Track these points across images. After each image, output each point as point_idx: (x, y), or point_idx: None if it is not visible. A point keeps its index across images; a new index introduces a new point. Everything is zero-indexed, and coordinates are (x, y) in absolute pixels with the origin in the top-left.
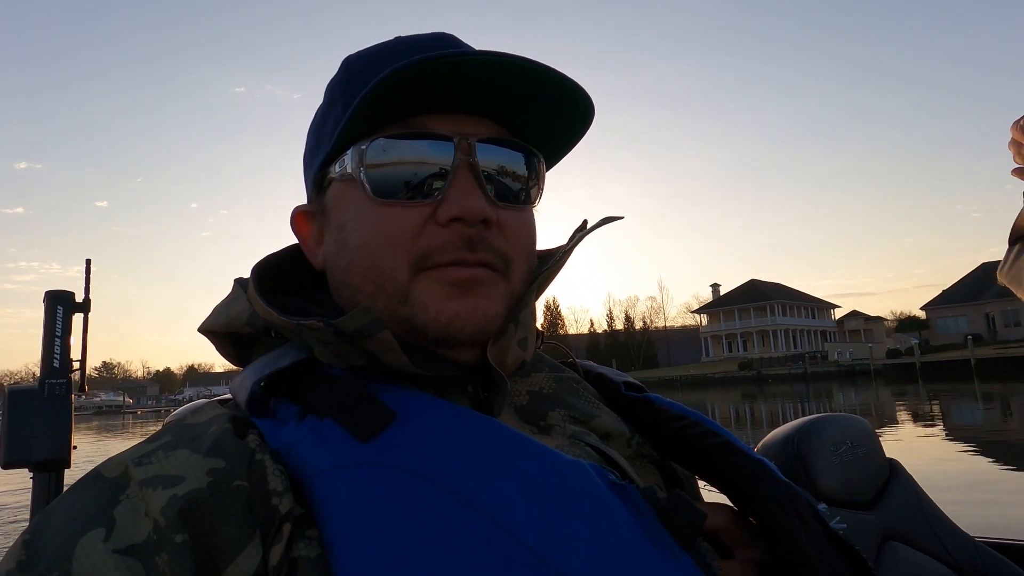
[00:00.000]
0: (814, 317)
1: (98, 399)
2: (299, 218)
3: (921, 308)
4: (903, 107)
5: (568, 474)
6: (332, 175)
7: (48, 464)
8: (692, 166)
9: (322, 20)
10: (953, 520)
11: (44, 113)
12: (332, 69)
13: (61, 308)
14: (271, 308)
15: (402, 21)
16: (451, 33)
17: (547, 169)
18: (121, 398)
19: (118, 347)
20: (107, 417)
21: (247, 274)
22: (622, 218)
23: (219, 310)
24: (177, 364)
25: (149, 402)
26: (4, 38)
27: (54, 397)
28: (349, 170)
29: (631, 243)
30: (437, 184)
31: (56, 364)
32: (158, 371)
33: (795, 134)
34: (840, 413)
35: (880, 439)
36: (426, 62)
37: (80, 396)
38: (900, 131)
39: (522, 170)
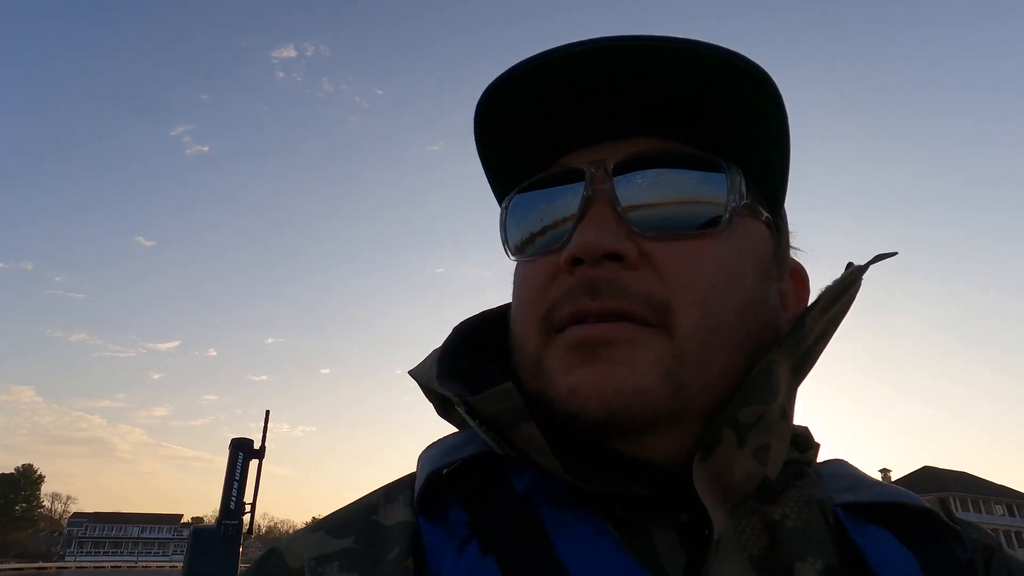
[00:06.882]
0: (1015, 515)
1: None
2: None
3: None
4: None
5: None
6: None
7: None
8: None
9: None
10: None
11: (287, 297)
12: None
13: (241, 454)
14: (439, 369)
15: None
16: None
17: (775, 177)
18: None
19: (327, 504)
20: None
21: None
22: (895, 254)
23: (428, 358)
24: None
25: None
26: (257, 240)
27: (227, 537)
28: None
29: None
30: (568, 227)
31: (232, 506)
32: None
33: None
34: None
35: None
36: (495, 90)
37: (249, 538)
38: None
39: (688, 187)
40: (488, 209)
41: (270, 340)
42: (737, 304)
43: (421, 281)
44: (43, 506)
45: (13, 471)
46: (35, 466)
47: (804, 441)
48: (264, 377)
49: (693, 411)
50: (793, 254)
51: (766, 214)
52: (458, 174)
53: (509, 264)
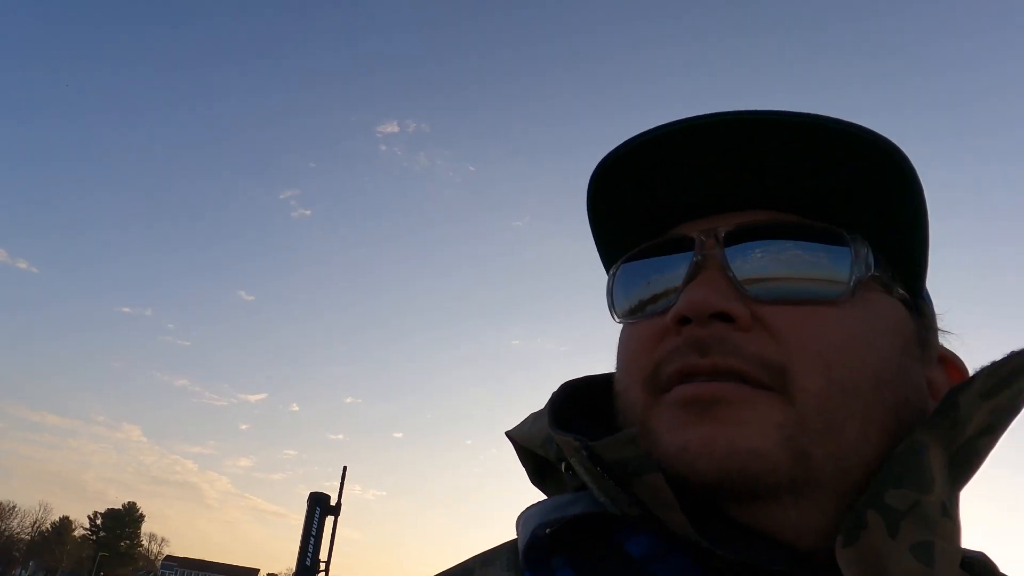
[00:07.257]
0: None
1: None
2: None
3: None
4: None
5: None
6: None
7: None
8: None
9: (593, 280)
10: None
11: (367, 359)
12: (596, 322)
13: (319, 509)
14: (552, 419)
15: None
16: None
17: (912, 248)
18: None
19: (396, 570)
20: None
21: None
22: None
23: (528, 420)
24: None
25: None
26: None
27: None
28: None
29: None
30: (674, 292)
31: (308, 562)
32: None
33: None
34: None
35: None
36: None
37: None
38: None
39: (805, 258)
40: (565, 285)
41: (348, 399)
42: (867, 374)
43: (495, 352)
44: (142, 545)
45: (120, 507)
46: (138, 504)
47: (983, 569)
48: (341, 436)
49: (824, 485)
50: (943, 340)
51: (902, 292)
52: (539, 249)
53: (584, 339)
